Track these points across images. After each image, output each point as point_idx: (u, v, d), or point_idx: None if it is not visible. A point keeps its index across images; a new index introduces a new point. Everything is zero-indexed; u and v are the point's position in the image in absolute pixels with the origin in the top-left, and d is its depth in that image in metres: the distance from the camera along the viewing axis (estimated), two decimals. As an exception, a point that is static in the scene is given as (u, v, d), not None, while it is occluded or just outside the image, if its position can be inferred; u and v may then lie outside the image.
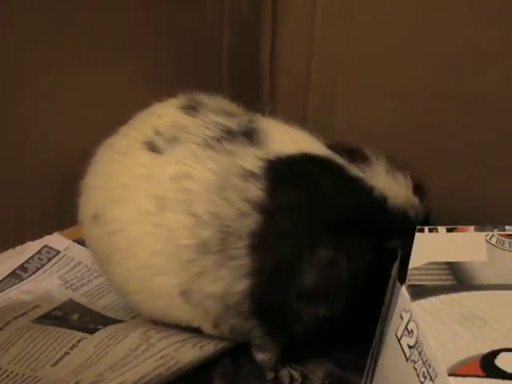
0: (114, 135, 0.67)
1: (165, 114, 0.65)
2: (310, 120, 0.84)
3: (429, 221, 0.60)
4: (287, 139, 0.62)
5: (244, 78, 0.86)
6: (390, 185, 0.60)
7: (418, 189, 0.61)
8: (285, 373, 0.64)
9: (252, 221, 0.59)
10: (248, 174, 0.60)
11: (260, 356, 0.64)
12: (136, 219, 0.61)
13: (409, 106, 0.75)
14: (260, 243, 0.59)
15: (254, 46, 0.85)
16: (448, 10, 0.70)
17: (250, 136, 0.62)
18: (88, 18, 0.74)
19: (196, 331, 0.64)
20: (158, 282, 0.61)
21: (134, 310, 0.69)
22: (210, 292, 0.60)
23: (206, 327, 0.63)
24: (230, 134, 0.62)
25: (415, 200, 0.60)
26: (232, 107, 0.68)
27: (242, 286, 0.59)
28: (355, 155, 0.61)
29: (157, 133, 0.63)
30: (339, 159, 0.60)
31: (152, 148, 0.63)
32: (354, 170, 0.60)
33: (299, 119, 0.82)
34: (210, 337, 0.64)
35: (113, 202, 0.63)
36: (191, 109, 0.65)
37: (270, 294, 0.59)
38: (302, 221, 0.59)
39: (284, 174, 0.60)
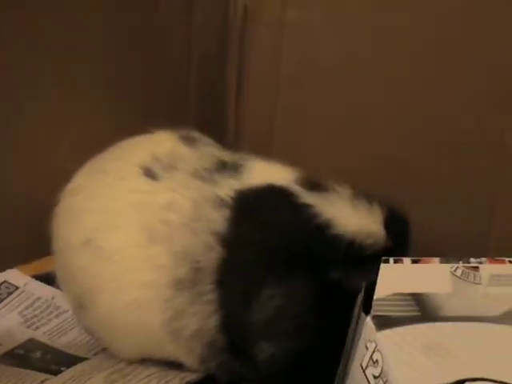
0: (99, 157, 0.67)
1: (163, 142, 0.65)
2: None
3: (403, 251, 0.58)
4: (262, 172, 0.63)
5: (210, 118, 0.86)
6: (343, 213, 0.58)
7: (391, 220, 0.59)
8: None
9: (216, 255, 0.59)
10: (219, 204, 0.60)
11: None
12: (128, 250, 0.61)
13: (375, 148, 0.76)
14: (223, 278, 0.58)
15: (220, 85, 0.86)
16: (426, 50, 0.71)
17: (237, 169, 0.63)
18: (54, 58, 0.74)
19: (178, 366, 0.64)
20: (146, 317, 0.61)
21: (96, 347, 0.68)
22: (190, 329, 0.60)
23: (192, 363, 0.62)
24: (222, 166, 0.63)
25: (377, 230, 0.58)
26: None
27: (214, 321, 0.59)
28: (316, 185, 0.60)
29: (155, 159, 0.63)
30: (297, 188, 0.60)
31: (149, 174, 0.62)
32: (308, 198, 0.59)
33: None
34: (176, 371, 0.63)
35: (107, 229, 0.62)
36: (189, 140, 0.66)
37: (235, 330, 0.59)
38: (254, 256, 0.59)
39: (244, 205, 0.60)
